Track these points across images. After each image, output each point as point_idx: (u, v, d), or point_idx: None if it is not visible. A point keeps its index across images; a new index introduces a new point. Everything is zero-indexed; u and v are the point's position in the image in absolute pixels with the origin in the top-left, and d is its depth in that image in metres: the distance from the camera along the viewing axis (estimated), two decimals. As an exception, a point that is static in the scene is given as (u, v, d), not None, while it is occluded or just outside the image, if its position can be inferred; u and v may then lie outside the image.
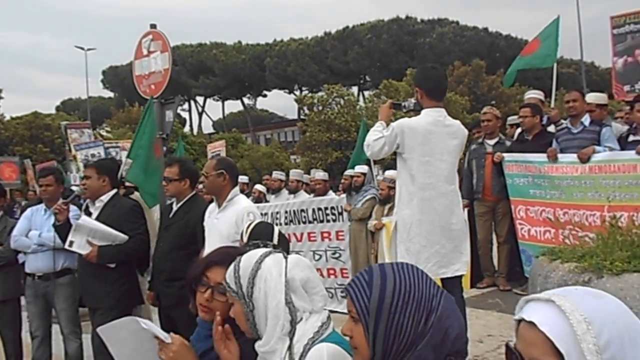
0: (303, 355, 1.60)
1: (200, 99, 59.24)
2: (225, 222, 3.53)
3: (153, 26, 5.67)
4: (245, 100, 59.51)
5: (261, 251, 1.77)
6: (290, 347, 1.62)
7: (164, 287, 3.85)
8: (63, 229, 4.08)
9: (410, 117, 3.81)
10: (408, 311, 1.30)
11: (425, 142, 3.62)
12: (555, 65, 7.33)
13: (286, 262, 1.72)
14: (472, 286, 6.27)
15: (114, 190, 4.28)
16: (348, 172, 8.18)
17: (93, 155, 9.88)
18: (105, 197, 4.17)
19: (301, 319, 1.66)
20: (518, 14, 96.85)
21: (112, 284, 4.05)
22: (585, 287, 1.11)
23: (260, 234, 2.64)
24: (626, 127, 5.70)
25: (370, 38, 48.08)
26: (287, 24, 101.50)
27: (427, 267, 3.57)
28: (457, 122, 3.85)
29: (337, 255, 7.67)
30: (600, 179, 5.23)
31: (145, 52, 5.61)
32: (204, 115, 60.84)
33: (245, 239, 2.68)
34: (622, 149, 5.29)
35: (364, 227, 7.33)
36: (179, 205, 3.96)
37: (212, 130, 54.42)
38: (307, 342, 1.62)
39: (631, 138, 5.28)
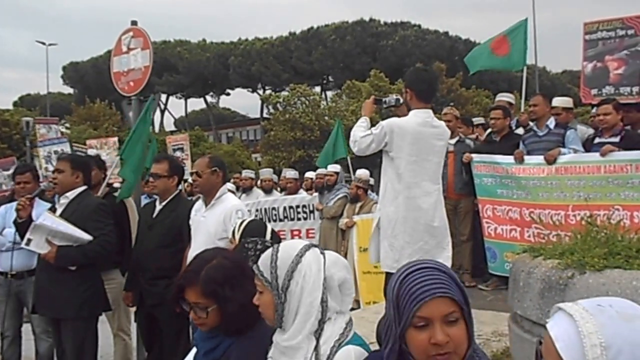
0: (330, 357, 1.58)
1: (163, 97, 58.34)
2: (213, 220, 3.51)
3: (134, 23, 5.56)
4: (208, 98, 58.97)
5: (301, 244, 1.72)
6: (317, 348, 1.59)
7: (149, 286, 3.80)
8: (23, 226, 3.77)
9: (391, 112, 3.87)
10: None
11: (413, 142, 3.69)
12: (524, 69, 7.52)
13: (324, 259, 1.68)
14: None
15: (83, 187, 3.99)
16: (320, 170, 8.24)
17: (56, 152, 9.61)
18: (71, 194, 3.88)
19: (329, 318, 1.63)
20: (477, 19, 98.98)
21: (72, 291, 3.70)
22: (622, 302, 1.08)
23: (253, 232, 2.63)
24: (591, 130, 5.92)
25: (334, 39, 48.32)
26: (252, 23, 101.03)
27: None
28: (443, 123, 3.95)
29: (306, 253, 7.70)
30: (566, 179, 5.42)
31: (124, 49, 5.48)
32: (166, 113, 59.97)
33: (237, 237, 2.67)
34: (587, 151, 5.50)
35: (334, 225, 7.41)
36: (164, 203, 3.91)
37: (173, 128, 53.72)
38: (333, 344, 1.59)
39: (596, 140, 5.49)
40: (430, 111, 3.84)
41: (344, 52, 47.63)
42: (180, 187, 4.11)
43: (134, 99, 5.38)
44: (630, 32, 6.12)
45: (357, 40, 47.95)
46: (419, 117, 3.75)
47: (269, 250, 1.72)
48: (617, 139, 5.32)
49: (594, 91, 6.36)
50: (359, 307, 6.50)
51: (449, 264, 3.86)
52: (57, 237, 3.70)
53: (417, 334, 1.34)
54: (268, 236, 2.66)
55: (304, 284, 1.63)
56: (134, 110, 5.36)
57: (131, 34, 5.48)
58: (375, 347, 1.92)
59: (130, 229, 4.36)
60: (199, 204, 3.73)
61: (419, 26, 49.69)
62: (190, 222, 3.68)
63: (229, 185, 9.89)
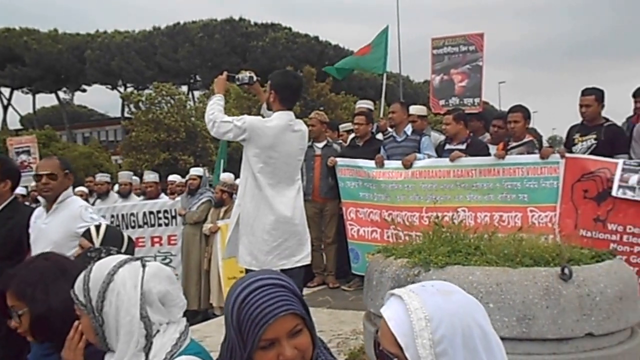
0: None
1: (5, 91, 52.99)
2: (56, 226, 3.24)
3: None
4: (61, 94, 54.57)
5: (115, 260, 1.62)
6: None
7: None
8: None
9: (244, 89, 3.84)
10: None
11: (273, 144, 3.72)
12: (385, 75, 7.92)
13: (144, 272, 1.59)
14: (303, 286, 6.52)
15: None
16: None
17: None
18: None
19: (158, 331, 1.57)
20: (347, 26, 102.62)
21: None
22: (442, 282, 1.25)
23: (113, 240, 2.47)
24: (443, 137, 6.38)
25: (202, 37, 47.30)
26: (111, 15, 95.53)
27: (268, 259, 3.71)
28: (305, 126, 4.01)
29: (167, 260, 7.47)
30: (421, 183, 5.80)
31: None
32: (9, 109, 54.56)
33: (97, 244, 2.49)
34: (439, 156, 5.93)
35: (198, 231, 7.23)
36: (-2, 210, 3.50)
37: (19, 127, 48.81)
38: (165, 356, 1.53)
39: (446, 147, 5.94)
40: (292, 114, 3.88)
41: (213, 50, 46.84)
42: (21, 191, 3.73)
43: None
44: (471, 48, 6.74)
45: (227, 39, 47.40)
46: (282, 120, 3.79)
47: (83, 272, 1.62)
48: (464, 146, 5.80)
49: (441, 102, 6.90)
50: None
51: (308, 261, 3.97)
52: None
53: (264, 354, 1.35)
54: (124, 246, 2.51)
55: (118, 303, 1.54)
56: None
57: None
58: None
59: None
60: (40, 210, 3.43)
61: (290, 29, 50.33)
62: (30, 230, 3.36)
63: (82, 189, 9.26)
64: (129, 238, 2.62)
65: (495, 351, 1.15)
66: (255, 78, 4.01)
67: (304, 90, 35.69)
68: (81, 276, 1.61)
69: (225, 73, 4.00)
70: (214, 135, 3.78)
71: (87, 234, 2.61)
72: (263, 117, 3.97)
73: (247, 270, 3.81)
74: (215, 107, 3.75)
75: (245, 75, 3.99)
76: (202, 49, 46.90)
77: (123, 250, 2.42)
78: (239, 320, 1.34)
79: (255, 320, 1.32)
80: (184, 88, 46.71)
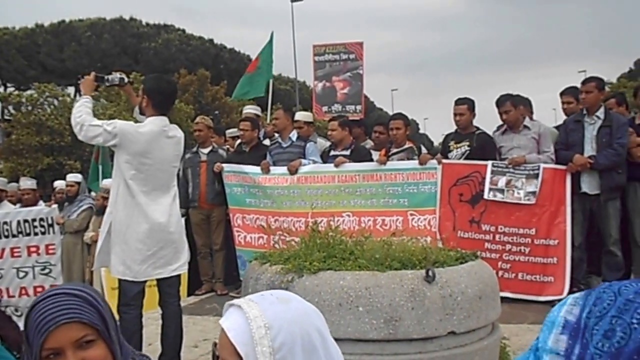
0: None
1: None
2: None
3: None
4: None
5: None
6: None
7: None
8: None
9: (115, 91, 3.73)
10: None
11: (146, 151, 3.61)
12: (271, 81, 7.94)
13: None
14: (190, 294, 6.38)
15: None
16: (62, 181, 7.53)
17: None
18: None
19: None
20: (243, 30, 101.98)
21: None
22: (281, 291, 1.27)
23: None
24: (329, 143, 6.49)
25: (90, 36, 44.95)
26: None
27: (142, 269, 3.60)
28: (180, 132, 3.91)
29: (47, 271, 6.98)
30: (306, 188, 5.86)
31: None
32: None
33: None
34: (325, 162, 6.02)
35: (79, 240, 6.87)
36: None
37: None
38: None
39: (332, 153, 6.05)
40: (167, 120, 3.78)
41: (102, 51, 44.63)
42: None
43: None
44: (352, 56, 6.94)
45: (117, 39, 45.39)
46: (156, 126, 3.68)
47: None
48: (348, 152, 5.93)
49: (324, 108, 7.04)
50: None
51: (186, 268, 3.90)
52: None
53: None
54: None
55: None
56: None
57: None
58: None
59: None
60: None
61: (184, 31, 49.16)
62: None
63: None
64: None
65: (334, 356, 1.18)
66: (126, 80, 3.88)
67: (198, 94, 35.18)
68: None
69: (93, 74, 3.83)
70: (82, 139, 3.61)
71: None
72: (137, 121, 3.83)
73: (120, 281, 3.67)
74: (82, 110, 3.58)
75: (115, 76, 3.84)
76: (90, 49, 44.54)
77: None
78: (26, 328, 1.33)
79: (38, 327, 1.29)
80: (71, 89, 44.11)
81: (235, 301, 1.21)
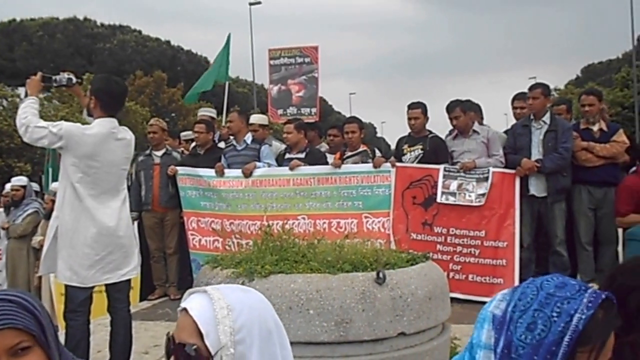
0: None
1: None
2: None
3: None
4: None
5: None
6: None
7: None
8: None
9: (63, 91, 3.64)
10: None
11: (94, 153, 3.52)
12: (227, 84, 7.89)
13: None
14: (143, 299, 6.27)
15: None
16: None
17: None
18: None
19: None
20: (200, 32, 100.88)
21: None
22: (241, 286, 1.36)
23: None
24: (284, 146, 6.49)
25: (42, 36, 43.69)
26: None
27: (90, 274, 3.51)
28: (130, 134, 3.83)
29: (-9, 277, 6.79)
30: (261, 192, 5.83)
31: None
32: None
33: None
34: (280, 165, 6.01)
35: (25, 245, 6.65)
36: None
37: None
38: None
39: (287, 155, 6.05)
40: (116, 122, 3.70)
41: (54, 51, 43.43)
42: None
43: None
44: (307, 60, 6.97)
45: (70, 39, 44.27)
46: (104, 127, 3.60)
47: None
48: (303, 155, 5.94)
49: (280, 111, 7.04)
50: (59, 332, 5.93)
51: (136, 273, 3.84)
52: None
53: None
54: None
55: None
56: None
57: None
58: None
59: None
60: None
61: (140, 32, 48.31)
62: None
63: None
64: None
65: (286, 344, 1.26)
66: (74, 80, 3.78)
67: (154, 96, 34.59)
68: None
69: (39, 74, 3.72)
70: (27, 141, 3.50)
71: None
72: (84, 123, 3.74)
73: (67, 287, 3.56)
74: (28, 111, 3.47)
75: (63, 76, 3.74)
76: (42, 49, 43.29)
77: None
78: None
79: None
80: (21, 90, 42.71)
81: (195, 289, 1.28)
